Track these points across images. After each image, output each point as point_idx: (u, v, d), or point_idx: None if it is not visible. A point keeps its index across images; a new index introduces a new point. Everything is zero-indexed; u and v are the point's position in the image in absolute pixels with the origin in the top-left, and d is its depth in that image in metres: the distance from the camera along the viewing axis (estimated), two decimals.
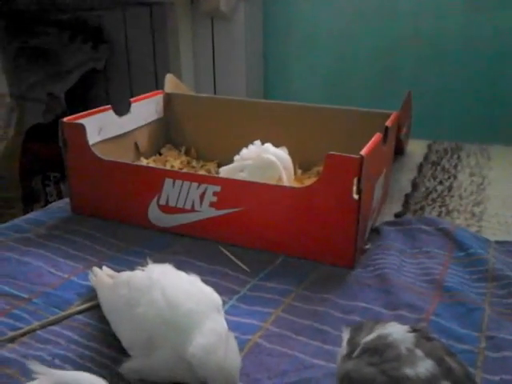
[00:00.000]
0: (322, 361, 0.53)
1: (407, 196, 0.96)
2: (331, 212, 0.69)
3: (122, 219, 0.83)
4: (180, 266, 0.56)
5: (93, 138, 0.84)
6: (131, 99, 0.97)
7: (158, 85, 1.64)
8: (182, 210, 0.78)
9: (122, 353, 0.51)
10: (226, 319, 0.51)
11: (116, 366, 0.51)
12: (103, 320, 0.57)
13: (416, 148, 1.21)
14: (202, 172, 0.99)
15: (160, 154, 1.06)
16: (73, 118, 0.83)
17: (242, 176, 0.80)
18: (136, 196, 0.81)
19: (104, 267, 0.64)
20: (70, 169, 0.85)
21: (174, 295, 0.49)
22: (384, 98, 1.50)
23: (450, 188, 1.00)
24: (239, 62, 1.67)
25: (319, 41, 1.70)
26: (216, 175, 0.88)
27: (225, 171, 0.85)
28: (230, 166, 0.85)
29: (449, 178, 1.05)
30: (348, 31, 1.65)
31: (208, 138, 1.06)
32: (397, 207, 0.92)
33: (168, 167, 0.99)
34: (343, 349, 0.43)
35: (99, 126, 0.87)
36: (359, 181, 0.66)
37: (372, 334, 0.42)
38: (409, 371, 0.37)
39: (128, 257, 0.73)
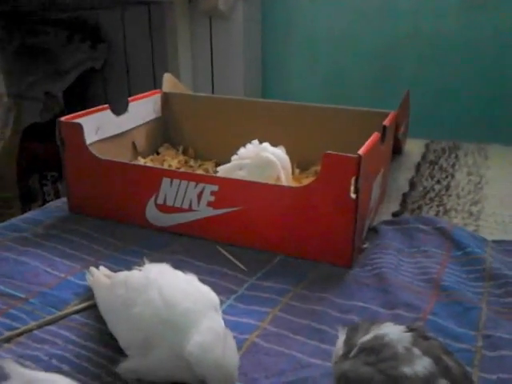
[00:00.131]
0: (320, 360, 0.53)
1: (405, 195, 0.96)
2: (329, 211, 0.69)
3: (120, 218, 0.83)
4: (178, 265, 0.56)
5: (90, 137, 0.84)
6: (129, 98, 0.97)
7: (155, 84, 1.65)
8: (180, 210, 0.78)
9: (119, 352, 0.51)
10: (224, 319, 0.51)
11: (113, 365, 0.51)
12: (100, 320, 0.57)
13: (414, 147, 1.21)
14: (199, 171, 0.99)
15: (158, 154, 1.06)
16: (70, 117, 0.83)
17: (240, 175, 0.80)
18: (133, 195, 0.81)
19: (101, 267, 0.64)
20: (68, 168, 0.85)
21: (171, 294, 0.49)
22: (383, 98, 1.50)
23: (447, 187, 1.00)
24: (237, 61, 1.67)
25: (318, 40, 1.70)
26: (214, 174, 0.88)
27: (223, 170, 0.85)
28: (228, 165, 0.85)
29: (446, 177, 1.05)
30: (347, 30, 1.65)
31: (206, 138, 1.06)
32: (394, 206, 0.92)
33: (166, 166, 0.99)
34: (338, 349, 0.43)
35: (97, 126, 0.87)
36: (357, 180, 0.66)
37: (368, 335, 0.42)
38: (407, 370, 0.37)
39: (125, 256, 0.73)
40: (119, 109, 0.94)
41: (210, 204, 0.76)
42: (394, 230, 0.81)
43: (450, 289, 0.65)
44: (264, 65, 1.79)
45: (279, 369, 0.52)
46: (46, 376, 0.40)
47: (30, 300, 0.63)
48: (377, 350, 0.39)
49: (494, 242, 0.78)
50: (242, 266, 0.71)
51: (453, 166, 1.11)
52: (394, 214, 0.89)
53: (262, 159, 0.80)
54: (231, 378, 0.44)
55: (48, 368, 0.52)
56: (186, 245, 0.76)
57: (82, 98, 1.83)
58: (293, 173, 0.89)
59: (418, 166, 1.10)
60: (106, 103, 0.91)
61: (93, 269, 0.63)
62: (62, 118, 0.82)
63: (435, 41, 1.56)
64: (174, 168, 0.98)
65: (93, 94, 1.88)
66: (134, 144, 1.00)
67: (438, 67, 1.57)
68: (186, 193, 0.76)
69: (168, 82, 1.09)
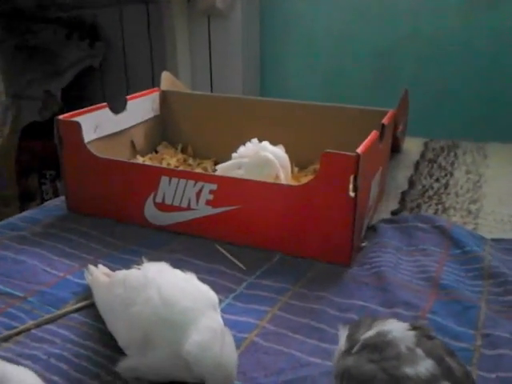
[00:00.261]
0: (319, 359, 0.53)
1: (404, 193, 0.96)
2: (328, 210, 0.69)
3: (118, 217, 0.83)
4: (176, 264, 0.56)
5: (88, 135, 0.84)
6: (127, 97, 0.97)
7: (154, 82, 1.64)
8: (179, 208, 0.78)
9: (118, 351, 0.51)
10: (223, 317, 0.51)
11: (112, 364, 0.51)
12: (99, 319, 0.57)
13: (412, 146, 1.21)
14: (198, 170, 0.99)
15: (156, 152, 1.05)
16: (68, 115, 0.82)
17: (239, 174, 0.80)
18: (132, 194, 0.80)
19: (100, 265, 0.64)
20: (66, 167, 0.85)
21: (170, 293, 0.49)
22: (382, 97, 1.50)
23: (446, 186, 1.00)
24: (236, 59, 1.67)
25: (317, 39, 1.70)
26: (212, 173, 0.88)
27: (221, 168, 0.84)
28: (227, 163, 0.85)
29: (445, 175, 1.05)
30: (346, 29, 1.65)
31: (204, 136, 1.06)
32: (393, 205, 0.92)
33: (164, 165, 0.98)
34: (341, 346, 0.43)
35: (95, 124, 0.87)
36: (355, 179, 0.66)
37: (371, 331, 0.42)
38: (409, 370, 0.37)
39: (124, 255, 0.73)
40: (117, 107, 0.94)
41: (208, 203, 0.76)
42: (392, 229, 0.81)
43: (449, 287, 0.65)
44: (262, 63, 1.79)
45: (278, 367, 0.52)
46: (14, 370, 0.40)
47: (29, 299, 0.63)
48: (380, 348, 0.39)
49: (493, 240, 0.79)
50: (240, 265, 0.71)
51: (452, 164, 1.11)
52: (393, 213, 0.89)
53: (261, 158, 0.80)
54: (230, 376, 0.44)
55: (47, 367, 0.52)
56: (185, 243, 0.76)
57: (80, 96, 1.83)
58: (292, 171, 0.89)
59: (417, 165, 1.10)
60: (104, 101, 0.91)
61: (91, 267, 0.63)
62: (61, 117, 0.82)
63: (435, 40, 1.55)
64: (172, 166, 0.98)
65: (91, 92, 1.87)
66: (132, 142, 0.99)
67: (438, 66, 1.57)
68: (184, 191, 0.76)
69: (166, 80, 1.09)
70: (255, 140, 0.85)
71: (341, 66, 1.69)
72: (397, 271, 0.69)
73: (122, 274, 0.56)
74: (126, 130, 0.96)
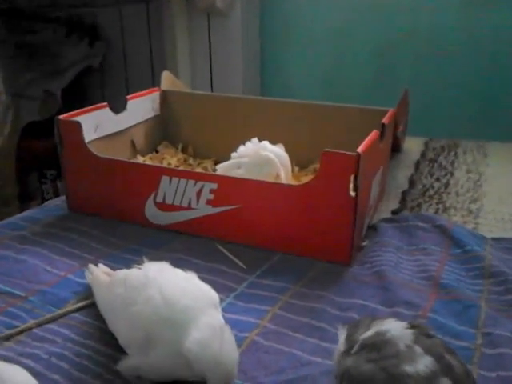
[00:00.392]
0: (319, 358, 0.53)
1: (404, 193, 0.96)
2: (328, 209, 0.69)
3: (119, 217, 0.83)
4: (177, 263, 0.56)
5: (89, 135, 0.84)
6: (127, 96, 0.97)
7: (154, 82, 1.64)
8: (179, 208, 0.78)
9: (119, 350, 0.51)
10: (224, 317, 0.50)
11: (113, 363, 0.51)
12: (100, 318, 0.57)
13: (413, 145, 1.21)
14: (198, 169, 0.99)
15: (157, 152, 1.05)
16: (69, 115, 0.83)
17: (239, 173, 0.80)
18: (132, 194, 0.81)
19: (100, 265, 0.64)
20: (66, 166, 0.85)
21: (171, 293, 0.49)
22: (382, 96, 1.50)
23: (446, 185, 1.00)
24: (236, 58, 1.67)
25: (317, 38, 1.70)
26: (213, 173, 0.88)
27: (222, 168, 0.84)
28: (227, 163, 0.85)
29: (445, 174, 1.05)
30: (346, 28, 1.65)
31: (205, 136, 1.06)
32: (394, 204, 0.92)
33: (165, 165, 0.99)
34: (340, 347, 0.43)
35: (95, 124, 0.87)
36: (356, 178, 0.66)
37: (370, 331, 0.42)
38: (408, 368, 0.37)
39: (125, 255, 0.73)
40: (118, 107, 0.94)
41: (209, 202, 0.76)
42: (393, 228, 0.81)
43: (450, 287, 0.65)
44: (262, 62, 1.79)
45: (279, 367, 0.52)
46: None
47: (30, 298, 0.63)
48: (378, 347, 0.39)
49: (494, 239, 0.79)
50: (241, 264, 0.71)
51: (452, 163, 1.11)
52: (394, 212, 0.89)
53: (261, 157, 0.80)
54: (230, 373, 0.44)
55: (48, 366, 0.52)
56: (186, 243, 0.76)
57: (80, 96, 1.82)
58: (292, 171, 0.89)
59: (418, 164, 1.10)
60: (104, 101, 0.91)
61: (92, 266, 0.63)
62: (61, 116, 0.82)
63: (434, 39, 1.55)
64: (173, 166, 0.98)
65: (91, 92, 1.87)
66: (132, 142, 0.99)
67: (438, 65, 1.57)
68: (185, 191, 0.76)
69: (166, 79, 1.09)
70: (255, 139, 0.85)
71: (341, 65, 1.69)
72: (397, 270, 0.69)
73: (122, 273, 0.56)
74: (126, 129, 0.96)
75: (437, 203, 0.92)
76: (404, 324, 0.42)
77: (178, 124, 1.07)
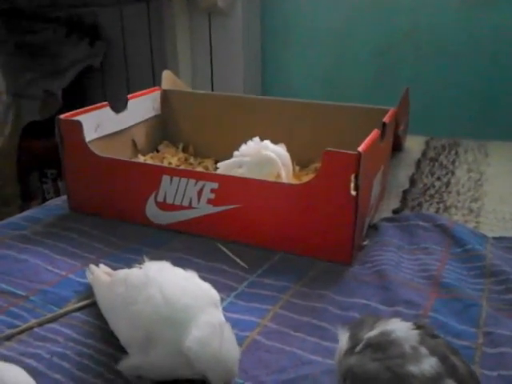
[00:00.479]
0: (320, 357, 0.53)
1: (405, 192, 0.96)
2: (329, 208, 0.69)
3: (120, 216, 0.83)
4: (178, 263, 0.56)
5: (90, 134, 0.84)
6: (128, 96, 0.97)
7: (155, 81, 1.64)
8: (180, 207, 0.78)
9: (120, 350, 0.51)
10: (224, 316, 0.51)
11: (114, 363, 0.51)
12: (101, 317, 0.57)
13: (414, 144, 1.21)
14: (199, 169, 0.99)
15: (157, 151, 1.05)
16: (70, 114, 0.83)
17: (240, 172, 0.80)
18: (133, 193, 0.81)
19: (101, 265, 0.64)
20: (67, 166, 0.85)
21: (171, 292, 0.49)
22: (383, 95, 1.50)
23: (447, 184, 1.00)
24: (237, 58, 1.67)
25: (317, 37, 1.70)
26: (213, 172, 0.88)
27: (223, 166, 0.84)
28: (228, 161, 0.85)
29: (446, 174, 1.05)
30: (347, 28, 1.65)
31: (205, 135, 1.06)
32: (395, 203, 0.92)
33: (165, 164, 0.99)
34: (342, 346, 0.43)
35: (96, 123, 0.87)
36: (357, 177, 0.66)
37: (375, 330, 0.42)
38: (413, 368, 0.37)
39: (125, 254, 0.73)
40: (118, 106, 0.94)
41: (210, 201, 0.76)
42: (394, 227, 0.81)
43: (451, 286, 0.65)
44: (263, 62, 1.79)
45: (280, 366, 0.52)
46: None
47: (31, 298, 0.63)
48: (383, 347, 0.39)
49: (495, 238, 0.78)
50: (242, 264, 0.71)
51: (453, 162, 1.11)
52: (394, 211, 0.89)
53: (262, 157, 0.80)
54: (231, 371, 0.44)
55: (49, 366, 0.52)
56: (186, 242, 0.76)
57: (80, 95, 1.83)
58: (293, 170, 0.89)
59: (418, 163, 1.10)
60: (105, 101, 0.91)
61: (92, 266, 0.63)
62: (62, 116, 0.82)
63: (434, 39, 1.55)
64: (173, 165, 0.98)
65: (92, 91, 1.87)
66: (133, 141, 0.99)
67: (438, 64, 1.57)
68: (185, 190, 0.76)
69: (167, 79, 1.09)
70: (256, 139, 0.85)
71: (342, 65, 1.69)
72: (398, 270, 0.69)
73: (123, 272, 0.56)
74: (127, 129, 0.96)
75: (438, 202, 0.92)
76: (409, 325, 0.42)
77: (178, 123, 1.07)
